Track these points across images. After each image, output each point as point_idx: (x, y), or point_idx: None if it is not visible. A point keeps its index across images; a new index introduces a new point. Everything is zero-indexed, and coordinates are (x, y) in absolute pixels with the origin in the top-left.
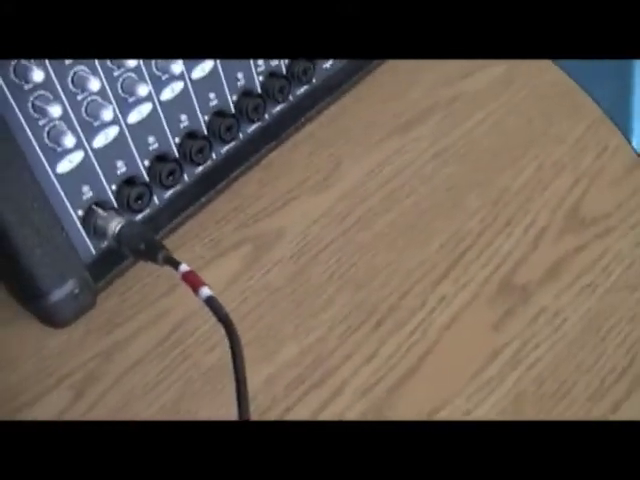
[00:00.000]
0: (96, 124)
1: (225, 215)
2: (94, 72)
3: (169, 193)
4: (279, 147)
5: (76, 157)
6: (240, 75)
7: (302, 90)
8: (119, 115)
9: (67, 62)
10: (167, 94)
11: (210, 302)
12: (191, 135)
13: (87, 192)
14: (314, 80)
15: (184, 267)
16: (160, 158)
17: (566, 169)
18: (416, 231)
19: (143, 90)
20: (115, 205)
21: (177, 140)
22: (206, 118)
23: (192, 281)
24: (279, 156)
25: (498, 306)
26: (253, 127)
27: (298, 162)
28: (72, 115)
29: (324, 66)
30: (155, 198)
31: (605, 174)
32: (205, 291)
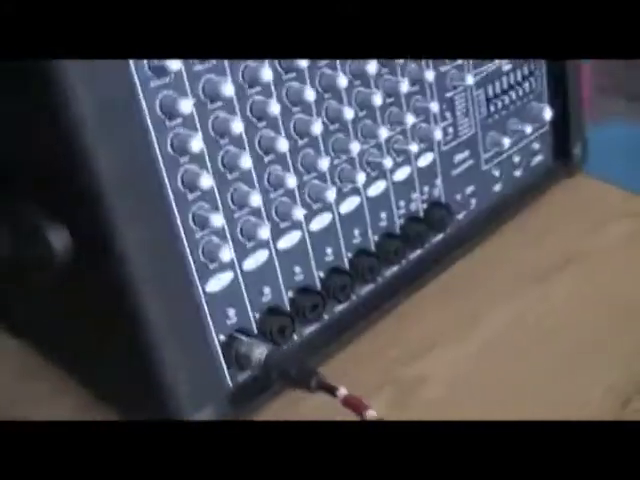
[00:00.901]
0: (249, 245)
1: (367, 356)
2: (252, 187)
3: (309, 328)
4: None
5: (226, 277)
6: (384, 215)
7: (437, 239)
8: (270, 239)
9: (230, 177)
10: (317, 224)
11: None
12: (335, 270)
13: (232, 317)
14: (449, 230)
15: (343, 391)
16: (303, 291)
17: None
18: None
19: (297, 215)
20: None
21: (322, 275)
22: (349, 255)
23: (355, 405)
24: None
25: None
26: (392, 270)
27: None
28: (227, 231)
29: (458, 217)
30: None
31: None
32: (372, 413)
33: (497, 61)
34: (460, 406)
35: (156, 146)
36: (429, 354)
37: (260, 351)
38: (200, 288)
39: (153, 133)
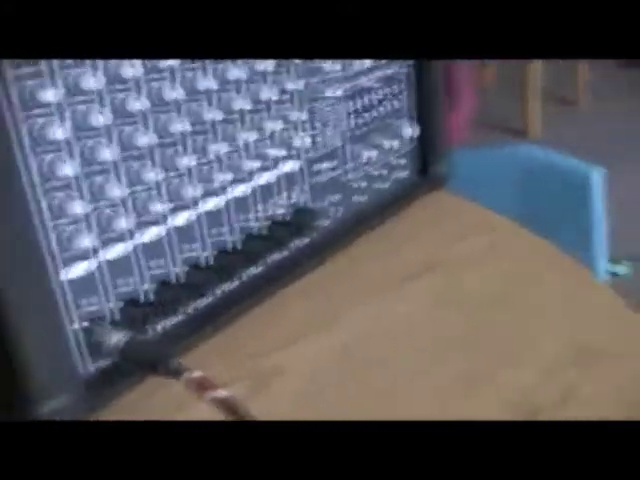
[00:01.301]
0: (111, 235)
1: (225, 350)
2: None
3: (171, 320)
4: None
5: (85, 266)
6: (249, 217)
7: (303, 242)
8: (134, 231)
9: (92, 168)
10: (181, 219)
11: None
12: (197, 267)
13: (92, 305)
14: (314, 234)
15: (199, 372)
16: (166, 283)
17: None
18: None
19: (160, 209)
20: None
21: (185, 269)
22: (214, 253)
23: (204, 385)
24: (274, 307)
25: None
26: (252, 271)
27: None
28: (91, 220)
29: (324, 223)
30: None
31: None
32: (221, 392)
33: (365, 78)
34: (315, 399)
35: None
36: (288, 348)
37: (117, 338)
38: (55, 276)
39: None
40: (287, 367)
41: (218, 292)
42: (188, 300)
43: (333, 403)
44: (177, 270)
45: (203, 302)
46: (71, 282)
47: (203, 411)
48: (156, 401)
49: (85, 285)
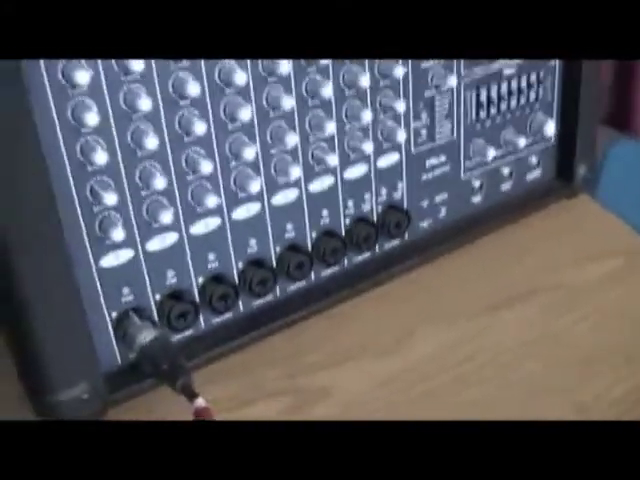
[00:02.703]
0: (155, 226)
1: (274, 359)
2: (165, 170)
3: (218, 319)
4: (350, 299)
5: (124, 255)
6: (325, 213)
7: (391, 243)
8: (182, 221)
9: (139, 154)
10: (241, 213)
11: None
12: (257, 263)
13: (127, 295)
14: (406, 236)
15: (200, 402)
16: (216, 279)
17: None
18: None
19: (212, 201)
20: (155, 318)
21: (240, 265)
22: (277, 249)
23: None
24: (349, 310)
25: None
26: (328, 270)
27: (368, 320)
28: (130, 209)
29: (421, 224)
30: (201, 321)
31: None
32: None
33: (497, 64)
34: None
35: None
36: (343, 366)
37: (145, 335)
38: (93, 261)
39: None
40: (335, 387)
41: (278, 292)
42: (239, 298)
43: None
44: (234, 264)
45: (257, 302)
46: (106, 270)
47: None
48: (165, 409)
49: (126, 273)
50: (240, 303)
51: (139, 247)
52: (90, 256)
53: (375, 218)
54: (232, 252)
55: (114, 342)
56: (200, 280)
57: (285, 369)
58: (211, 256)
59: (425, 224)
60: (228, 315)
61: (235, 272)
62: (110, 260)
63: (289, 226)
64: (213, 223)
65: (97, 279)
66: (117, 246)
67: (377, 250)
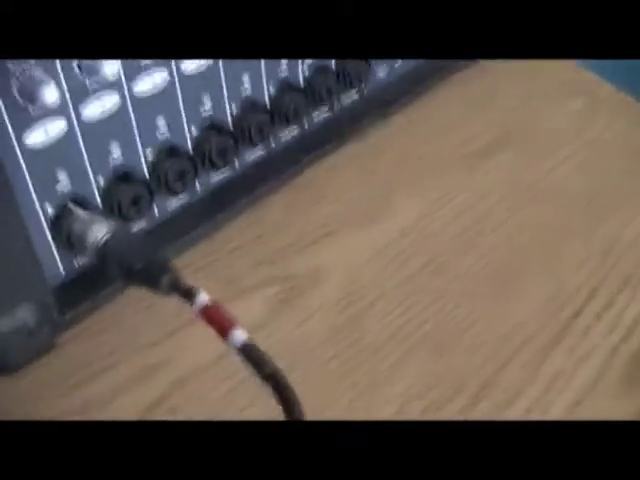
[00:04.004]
0: (93, 87)
1: (242, 245)
2: None
3: (174, 203)
4: (316, 164)
5: (55, 127)
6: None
7: (351, 97)
8: (123, 81)
9: None
10: (191, 66)
11: (248, 351)
12: (214, 128)
13: (63, 181)
14: (365, 89)
15: (204, 298)
16: (169, 152)
17: None
18: (504, 282)
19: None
20: (100, 207)
21: (195, 133)
22: (235, 111)
23: (217, 320)
24: (314, 177)
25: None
26: (288, 133)
27: (337, 187)
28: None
29: (379, 75)
30: (155, 207)
31: None
32: (239, 335)
33: None
34: (368, 315)
35: None
36: (326, 242)
37: (99, 231)
38: (15, 139)
39: None
40: (324, 268)
41: (237, 162)
42: (198, 172)
43: (390, 319)
44: (188, 132)
45: (219, 175)
46: (36, 147)
47: (197, 335)
48: (140, 319)
49: (59, 152)
50: (197, 182)
51: (72, 116)
52: (11, 132)
53: (335, 67)
54: (184, 115)
55: (53, 247)
56: (150, 156)
57: (261, 255)
58: (160, 121)
59: (382, 74)
60: (184, 198)
61: (189, 142)
62: (37, 136)
63: (246, 83)
64: (160, 78)
65: (23, 162)
66: (45, 116)
67: (336, 107)
